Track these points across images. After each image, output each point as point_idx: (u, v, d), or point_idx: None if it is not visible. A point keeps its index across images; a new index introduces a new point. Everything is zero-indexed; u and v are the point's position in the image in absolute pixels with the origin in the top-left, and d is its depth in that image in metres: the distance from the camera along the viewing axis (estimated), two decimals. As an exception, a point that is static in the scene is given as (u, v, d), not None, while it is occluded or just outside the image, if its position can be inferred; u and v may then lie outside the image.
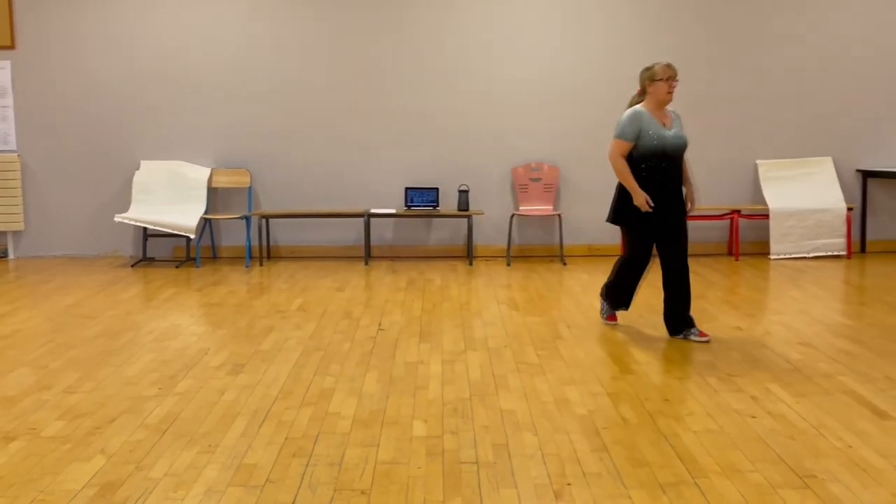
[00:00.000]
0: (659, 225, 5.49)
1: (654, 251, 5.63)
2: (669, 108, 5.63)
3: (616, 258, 8.66)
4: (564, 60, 8.78)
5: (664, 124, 5.46)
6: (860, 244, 8.93)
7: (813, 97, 8.84)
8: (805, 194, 8.65)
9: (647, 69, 5.50)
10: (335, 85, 8.81)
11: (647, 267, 5.67)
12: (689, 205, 5.65)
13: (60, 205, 8.97)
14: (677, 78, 5.45)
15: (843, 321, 5.94)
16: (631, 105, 5.60)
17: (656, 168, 5.42)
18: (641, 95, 5.56)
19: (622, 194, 5.54)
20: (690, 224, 8.88)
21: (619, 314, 6.08)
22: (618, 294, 5.84)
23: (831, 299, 6.70)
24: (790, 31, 8.76)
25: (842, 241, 8.53)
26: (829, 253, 8.53)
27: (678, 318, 5.54)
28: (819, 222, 8.53)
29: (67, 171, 8.92)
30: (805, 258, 8.48)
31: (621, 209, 5.55)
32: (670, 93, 5.42)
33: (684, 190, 5.65)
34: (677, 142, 5.45)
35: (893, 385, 4.51)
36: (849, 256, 8.53)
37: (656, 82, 5.42)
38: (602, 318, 5.98)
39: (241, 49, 8.78)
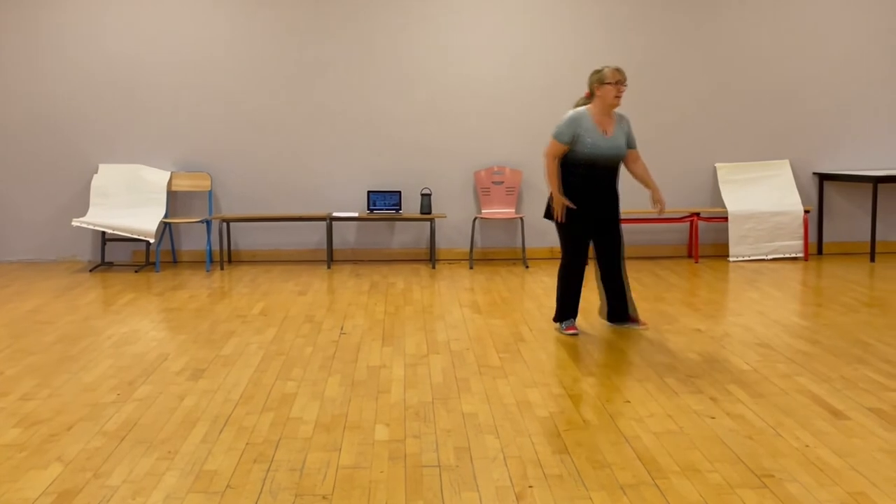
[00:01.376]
0: (587, 224, 5.60)
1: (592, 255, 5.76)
2: (618, 111, 5.67)
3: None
4: (526, 63, 8.82)
5: (605, 131, 5.50)
6: (817, 246, 9.07)
7: (771, 102, 8.97)
8: (763, 197, 8.76)
9: (597, 72, 5.52)
10: (296, 88, 8.77)
11: (583, 271, 5.72)
12: (658, 206, 5.68)
13: (17, 209, 8.83)
14: (626, 83, 5.49)
15: (800, 322, 6.03)
16: (576, 106, 5.61)
17: (588, 175, 5.52)
18: (589, 98, 5.58)
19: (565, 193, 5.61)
20: (651, 227, 8.99)
21: (582, 320, 6.12)
22: (563, 303, 5.76)
23: (789, 300, 6.79)
24: (749, 38, 8.88)
25: (799, 243, 8.66)
26: (787, 255, 8.65)
27: (613, 311, 5.81)
28: (777, 225, 8.65)
29: (24, 176, 8.79)
30: (763, 260, 8.59)
31: (550, 206, 5.66)
32: (618, 97, 5.46)
33: (650, 192, 5.72)
34: (612, 152, 5.50)
35: (849, 385, 4.58)
36: (806, 258, 8.65)
37: (605, 86, 5.45)
38: (562, 332, 5.77)
39: (201, 52, 8.71)
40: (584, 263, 5.71)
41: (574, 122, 5.47)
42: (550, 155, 5.55)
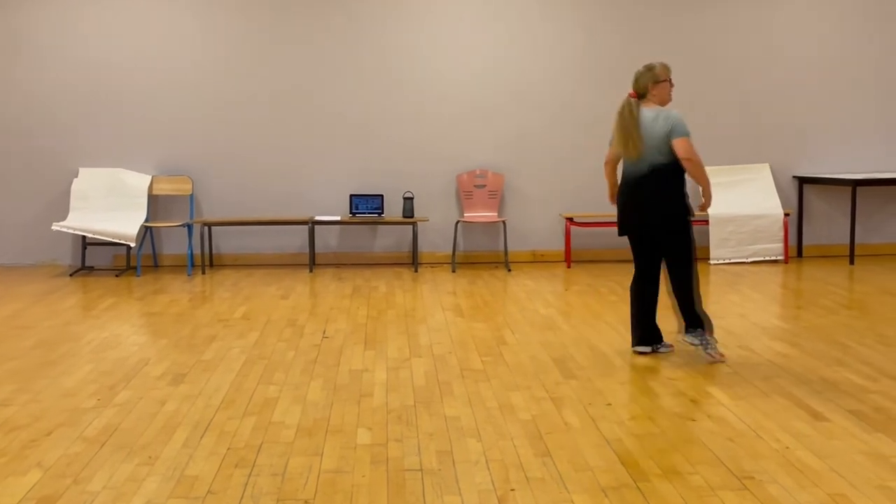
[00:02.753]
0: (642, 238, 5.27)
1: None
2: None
3: (562, 264, 8.78)
4: (508, 67, 8.84)
5: None
6: (797, 249, 9.13)
7: (751, 106, 9.02)
8: (743, 201, 8.81)
9: (649, 70, 5.21)
10: (278, 92, 8.75)
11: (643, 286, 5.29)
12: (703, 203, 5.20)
13: (-4, 213, 8.77)
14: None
15: (780, 324, 6.07)
16: (631, 107, 5.18)
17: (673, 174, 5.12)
18: (639, 98, 5.21)
19: (684, 195, 5.13)
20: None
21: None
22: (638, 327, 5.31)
23: (769, 303, 6.83)
24: (729, 42, 8.93)
25: (779, 246, 8.71)
26: (767, 258, 8.70)
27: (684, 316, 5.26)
28: (757, 228, 8.70)
29: (3, 179, 8.71)
30: (744, 263, 8.64)
31: (687, 208, 5.10)
32: (671, 93, 5.22)
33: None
34: None
35: (829, 387, 4.61)
36: (786, 261, 8.71)
37: (660, 83, 5.19)
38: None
39: (182, 56, 8.68)
40: (644, 279, 5.32)
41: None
42: (696, 151, 5.04)
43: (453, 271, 8.45)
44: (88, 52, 8.63)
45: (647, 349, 5.31)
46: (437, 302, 6.98)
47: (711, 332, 5.20)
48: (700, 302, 5.23)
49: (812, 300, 6.88)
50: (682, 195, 5.12)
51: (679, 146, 5.01)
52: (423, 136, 8.84)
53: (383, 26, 8.73)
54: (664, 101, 5.22)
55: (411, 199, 8.61)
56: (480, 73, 8.83)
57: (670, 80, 5.24)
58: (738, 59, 8.96)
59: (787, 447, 3.76)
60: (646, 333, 5.32)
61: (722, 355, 5.15)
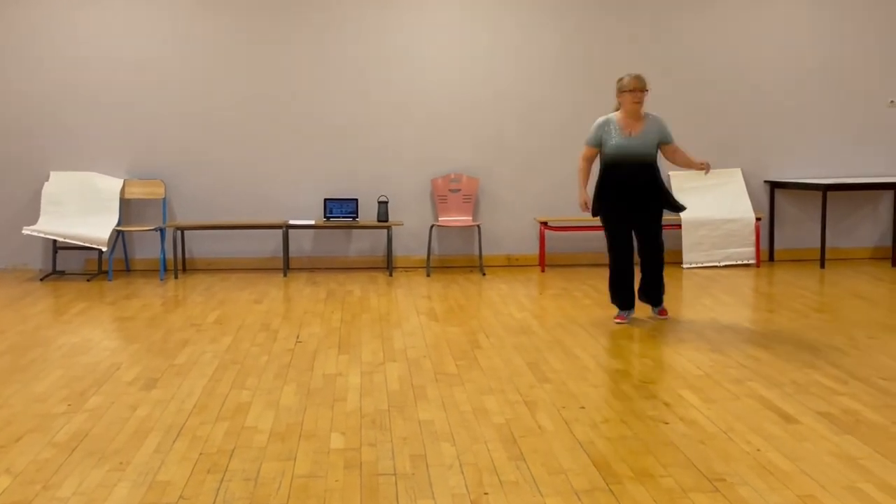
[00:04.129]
0: (624, 221, 6.13)
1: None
2: (655, 113, 6.17)
3: (536, 268, 8.80)
4: (482, 71, 8.86)
5: (630, 133, 6.00)
6: (768, 253, 9.21)
7: (723, 111, 9.10)
8: (716, 205, 8.88)
9: (619, 80, 6.11)
10: (251, 95, 8.72)
11: (626, 268, 6.19)
12: (704, 168, 6.23)
13: (-35, 217, 8.67)
14: (646, 89, 6.02)
15: (751, 328, 6.12)
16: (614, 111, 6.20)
17: (615, 174, 6.04)
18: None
19: (595, 194, 6.16)
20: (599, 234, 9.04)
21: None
22: (614, 292, 6.29)
23: (741, 306, 6.89)
24: (701, 46, 9.01)
25: (751, 250, 8.79)
26: (739, 261, 8.78)
27: (649, 293, 6.34)
28: (729, 232, 8.77)
29: (-28, 182, 8.63)
30: (716, 267, 8.71)
31: (594, 206, 6.19)
32: (636, 103, 6.00)
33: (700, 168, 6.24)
34: (636, 151, 6.00)
35: (799, 390, 4.66)
36: (757, 265, 8.79)
37: (623, 94, 6.06)
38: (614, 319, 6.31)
39: (154, 58, 8.63)
40: (626, 260, 6.19)
41: (599, 126, 6.13)
42: (580, 158, 6.23)
43: (428, 275, 8.46)
44: (60, 54, 8.56)
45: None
46: (412, 306, 6.98)
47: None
48: (609, 287, 6.37)
49: (783, 303, 6.94)
50: (599, 189, 6.15)
51: None
52: (397, 140, 8.84)
53: (359, 31, 8.73)
54: (624, 110, 6.10)
55: (386, 203, 8.61)
56: (455, 78, 8.85)
57: (631, 91, 6.01)
58: (710, 65, 9.03)
59: (759, 449, 3.80)
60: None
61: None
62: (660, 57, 8.95)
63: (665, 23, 8.96)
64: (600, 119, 6.15)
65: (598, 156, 6.17)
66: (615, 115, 6.12)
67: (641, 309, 6.50)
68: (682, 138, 9.03)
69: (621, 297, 6.27)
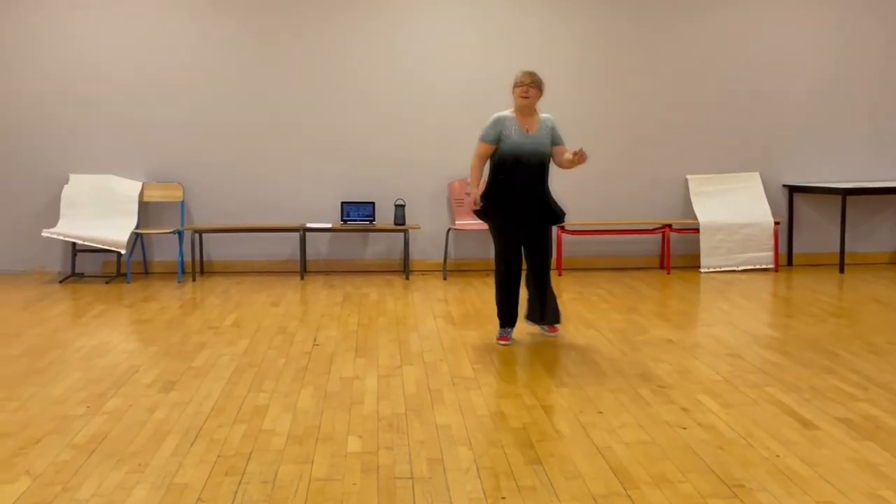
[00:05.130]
0: (517, 228, 5.75)
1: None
2: (546, 115, 5.88)
3: (553, 272, 8.76)
4: (499, 75, 8.83)
5: (528, 130, 5.73)
6: (787, 257, 9.16)
7: (741, 114, 9.06)
8: (733, 209, 8.84)
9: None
10: (269, 99, 8.75)
11: (514, 278, 5.79)
12: (577, 156, 5.61)
13: (-15, 219, 8.74)
14: (534, 85, 5.69)
15: (770, 333, 6.08)
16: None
17: (512, 171, 5.68)
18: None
19: (484, 200, 5.80)
20: (623, 238, 9.04)
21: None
22: (505, 304, 5.86)
23: (759, 311, 6.85)
24: (720, 50, 8.97)
25: (769, 254, 8.74)
26: (757, 266, 8.73)
27: (535, 312, 5.96)
28: (747, 236, 8.72)
29: (-8, 185, 8.70)
30: (734, 271, 8.67)
31: (485, 214, 5.83)
32: (523, 97, 5.67)
33: (574, 156, 5.66)
34: (534, 149, 5.71)
35: (818, 395, 4.63)
36: (776, 269, 8.74)
37: (514, 89, 5.74)
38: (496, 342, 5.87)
39: (173, 62, 8.67)
40: (516, 269, 5.80)
41: (497, 122, 5.74)
42: (475, 156, 5.78)
43: (444, 279, 8.45)
44: (80, 58, 8.62)
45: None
46: (429, 309, 6.97)
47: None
48: (496, 298, 5.93)
49: (802, 308, 6.90)
50: (490, 192, 5.78)
51: None
52: (414, 143, 8.85)
53: (376, 35, 8.75)
54: (516, 106, 5.76)
55: (403, 206, 8.61)
56: (472, 81, 8.85)
57: (518, 86, 5.71)
58: (728, 68, 9.00)
59: (777, 455, 3.77)
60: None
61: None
62: (679, 61, 8.92)
63: (683, 27, 8.93)
64: (495, 115, 5.76)
65: (492, 153, 5.74)
66: (509, 112, 5.76)
67: (656, 316, 6.46)
68: (700, 142, 9.04)
69: (510, 311, 5.82)
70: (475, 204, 5.77)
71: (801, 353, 5.51)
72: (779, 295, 7.58)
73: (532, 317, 6.01)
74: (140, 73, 8.66)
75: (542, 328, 6.04)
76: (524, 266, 5.86)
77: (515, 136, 5.68)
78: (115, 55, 8.63)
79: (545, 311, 5.93)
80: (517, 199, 5.70)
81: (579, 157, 5.60)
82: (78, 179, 8.63)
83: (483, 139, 5.75)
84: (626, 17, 8.88)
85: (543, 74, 8.90)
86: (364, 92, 8.79)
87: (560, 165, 5.88)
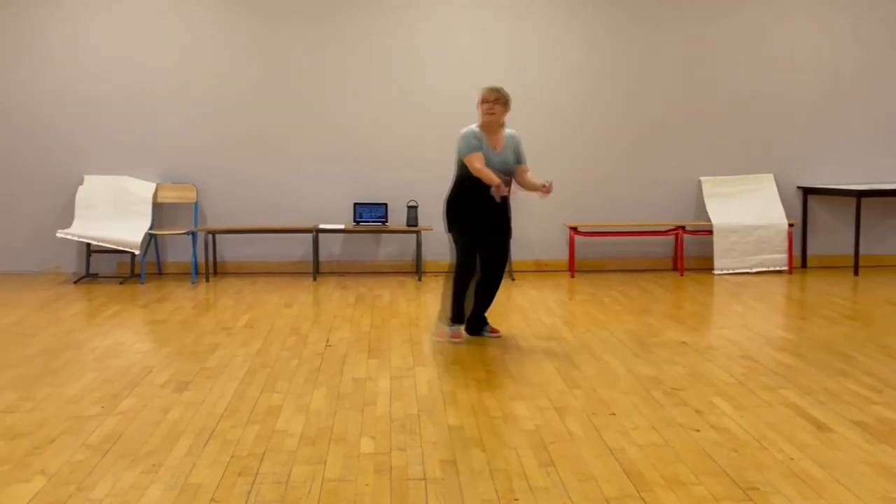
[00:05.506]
0: (481, 235, 5.81)
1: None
2: (511, 130, 5.93)
3: (566, 274, 8.77)
4: (511, 76, 8.83)
5: (494, 147, 5.79)
6: (801, 259, 9.12)
7: (755, 116, 9.03)
8: (747, 211, 8.81)
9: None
10: (283, 101, 8.77)
11: (473, 278, 5.91)
12: (545, 189, 5.74)
13: (0, 220, 8.78)
14: (499, 102, 5.75)
15: (784, 335, 6.06)
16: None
17: (478, 186, 5.72)
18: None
19: (449, 206, 5.89)
20: (637, 240, 9.02)
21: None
22: (459, 305, 5.96)
23: (773, 313, 6.82)
24: (734, 53, 8.94)
25: (783, 256, 8.70)
26: (771, 268, 8.69)
27: (476, 321, 6.01)
28: (761, 238, 8.69)
29: (8, 186, 8.74)
30: (748, 273, 8.63)
31: (451, 220, 5.89)
32: (488, 114, 5.74)
33: (540, 191, 5.80)
34: (500, 167, 5.77)
35: (832, 398, 4.60)
36: (790, 271, 8.70)
37: (480, 105, 5.81)
38: (447, 339, 5.94)
39: (187, 64, 8.71)
40: (473, 273, 5.92)
41: (474, 135, 5.76)
42: (476, 167, 5.68)
43: (457, 280, 8.45)
44: (94, 59, 8.66)
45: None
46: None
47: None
48: (455, 296, 5.97)
49: (816, 311, 6.87)
50: (454, 204, 5.87)
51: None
52: (427, 145, 8.85)
53: (387, 36, 8.76)
54: (482, 123, 5.81)
55: (415, 207, 8.62)
56: (483, 82, 8.82)
57: (482, 103, 5.78)
58: (742, 70, 8.97)
59: (791, 458, 3.76)
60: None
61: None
62: (691, 63, 8.90)
63: (696, 28, 8.91)
64: (467, 130, 5.79)
65: (461, 167, 5.81)
66: (475, 128, 5.82)
67: (669, 319, 6.45)
68: (713, 144, 9.02)
69: (462, 311, 5.94)
70: (500, 189, 5.66)
71: (815, 355, 5.48)
72: (793, 297, 7.55)
73: (475, 328, 6.03)
74: (155, 76, 8.70)
75: (486, 331, 6.05)
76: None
77: (486, 153, 5.75)
78: (130, 58, 8.67)
79: (484, 315, 6.03)
80: (483, 212, 5.77)
81: (546, 191, 5.72)
82: (92, 181, 8.68)
83: (472, 150, 5.72)
84: (640, 19, 8.86)
85: (554, 76, 8.94)
86: (378, 93, 8.80)
87: (521, 185, 5.94)
